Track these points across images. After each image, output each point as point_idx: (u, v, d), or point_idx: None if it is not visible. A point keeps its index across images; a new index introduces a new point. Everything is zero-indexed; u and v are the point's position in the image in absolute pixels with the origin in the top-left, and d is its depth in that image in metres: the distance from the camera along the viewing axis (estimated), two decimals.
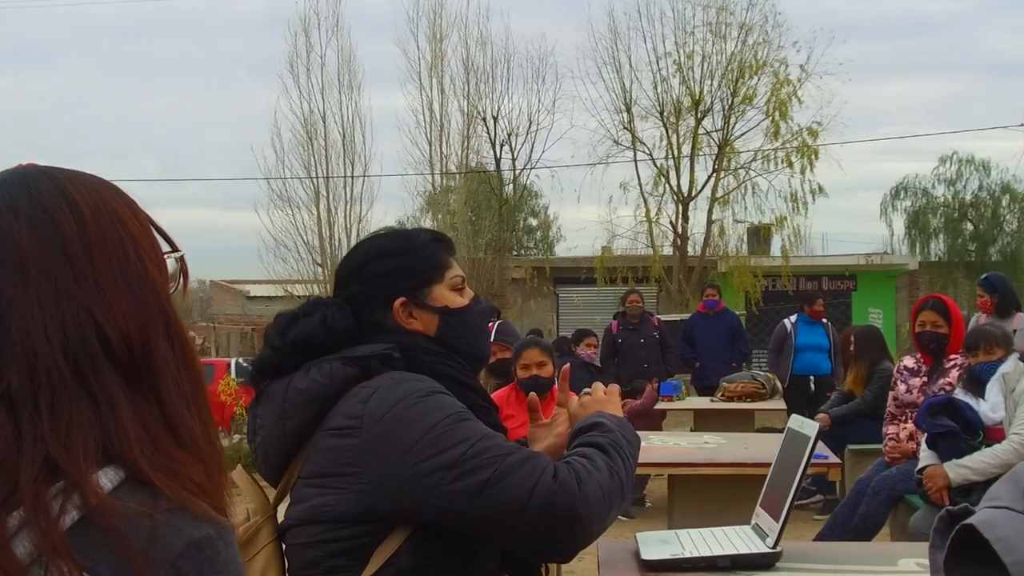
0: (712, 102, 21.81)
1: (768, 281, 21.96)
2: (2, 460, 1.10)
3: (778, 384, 10.24)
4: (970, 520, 1.15)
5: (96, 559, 1.08)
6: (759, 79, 21.57)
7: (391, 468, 2.11)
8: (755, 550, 2.76)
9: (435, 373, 2.28)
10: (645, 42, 22.06)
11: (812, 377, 11.08)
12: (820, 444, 6.33)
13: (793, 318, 11.74)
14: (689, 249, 22.08)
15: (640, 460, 6.05)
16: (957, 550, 1.17)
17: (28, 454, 1.10)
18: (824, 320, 11.69)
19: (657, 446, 6.20)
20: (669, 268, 21.63)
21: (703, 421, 9.64)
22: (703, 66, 21.70)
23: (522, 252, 29.58)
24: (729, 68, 21.56)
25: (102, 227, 1.23)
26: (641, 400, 9.78)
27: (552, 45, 37.48)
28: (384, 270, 2.38)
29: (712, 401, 9.90)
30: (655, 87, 21.95)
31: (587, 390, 2.50)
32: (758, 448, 5.78)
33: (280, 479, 2.30)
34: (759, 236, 23.12)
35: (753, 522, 2.96)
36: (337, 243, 21.89)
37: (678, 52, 21.76)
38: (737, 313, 13.71)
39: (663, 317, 16.43)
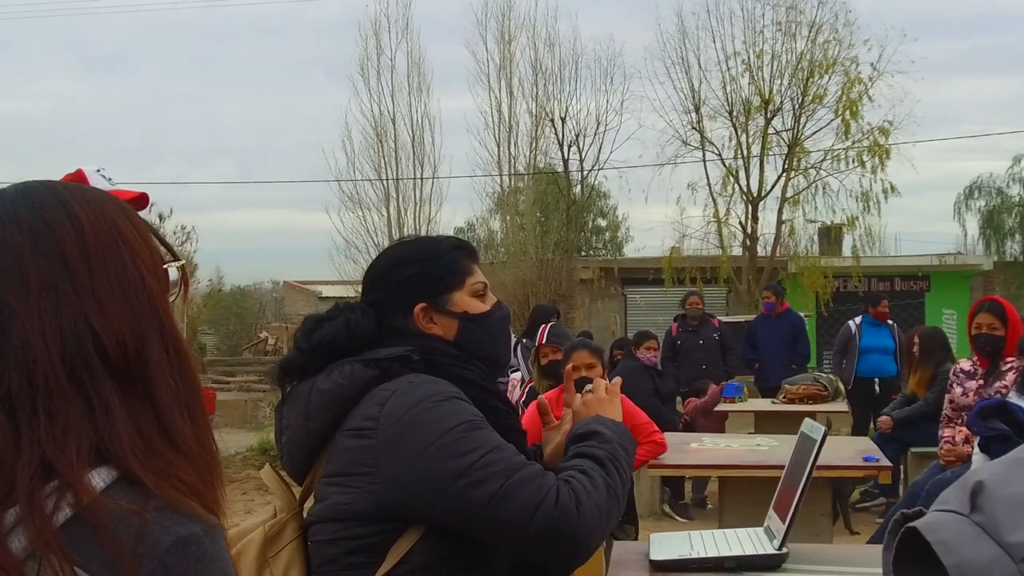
0: (782, 101, 21.60)
1: (839, 282, 21.71)
2: (0, 460, 1.16)
3: (841, 386, 10.16)
4: (914, 523, 1.19)
5: (87, 555, 1.13)
6: (829, 78, 21.34)
7: (404, 470, 2.18)
8: (761, 551, 2.79)
9: (453, 376, 2.34)
10: (714, 42, 21.94)
11: (877, 379, 10.97)
12: (872, 447, 6.34)
13: (858, 319, 11.64)
14: (759, 250, 21.91)
15: (691, 463, 6.07)
16: (904, 552, 1.20)
17: (25, 455, 1.16)
18: (890, 322, 11.56)
19: (708, 448, 6.22)
20: (738, 269, 21.47)
21: (764, 423, 9.60)
22: (772, 65, 21.52)
23: (590, 253, 29.55)
24: (799, 67, 21.35)
25: (101, 239, 1.28)
26: (705, 399, 9.78)
27: (620, 46, 37.26)
28: (405, 276, 2.45)
29: (773, 403, 9.84)
30: (724, 87, 21.81)
31: (588, 387, 2.54)
32: None
33: (305, 478, 2.38)
34: (830, 236, 22.88)
35: (765, 524, 2.98)
36: None
37: (747, 51, 21.60)
38: (802, 315, 13.60)
39: (731, 318, 16.39)
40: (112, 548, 1.13)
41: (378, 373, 2.29)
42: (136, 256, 1.31)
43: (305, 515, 2.38)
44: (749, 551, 2.79)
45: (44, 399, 1.19)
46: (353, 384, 2.29)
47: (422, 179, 22.48)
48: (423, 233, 21.74)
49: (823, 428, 2.92)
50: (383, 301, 2.45)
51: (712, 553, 2.77)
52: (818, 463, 5.35)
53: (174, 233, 23.50)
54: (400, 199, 22.46)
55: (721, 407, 9.72)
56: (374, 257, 2.63)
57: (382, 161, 22.55)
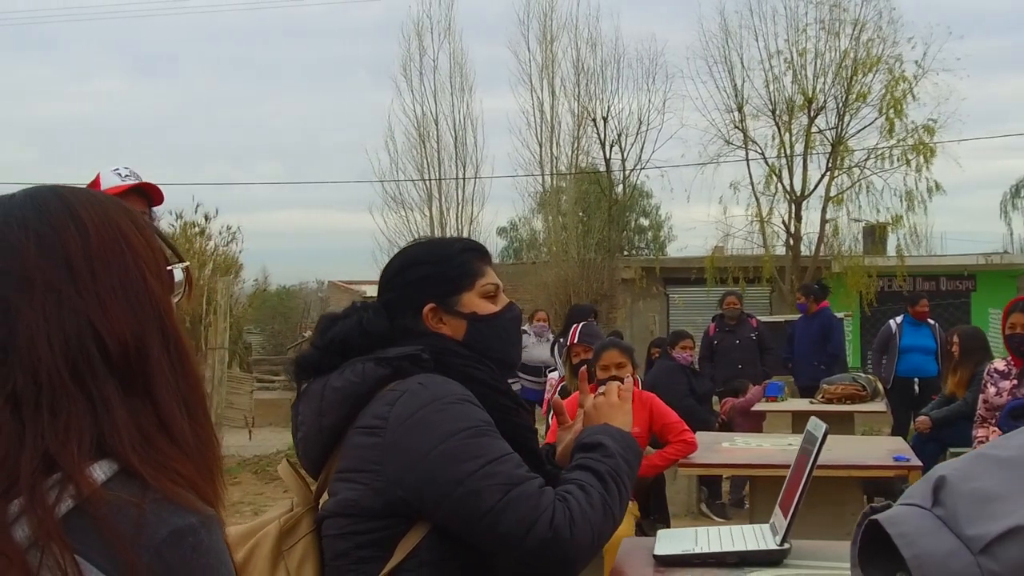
0: (825, 100, 21.48)
1: (883, 281, 21.58)
2: (5, 454, 1.20)
3: (879, 386, 10.10)
4: (876, 516, 1.22)
5: (87, 544, 1.17)
6: (873, 76, 21.19)
7: (407, 470, 2.23)
8: (763, 547, 2.82)
9: (464, 376, 2.38)
10: (757, 40, 21.85)
11: (916, 379, 10.91)
12: (904, 446, 6.32)
13: (899, 319, 11.58)
14: (802, 249, 21.79)
15: (721, 462, 6.07)
16: (869, 545, 1.24)
17: (29, 449, 1.20)
18: (932, 321, 11.49)
19: (740, 448, 6.23)
20: (781, 268, 21.37)
21: (802, 423, 9.54)
22: (816, 63, 21.40)
23: (633, 252, 29.50)
24: (843, 65, 21.21)
25: (105, 242, 1.32)
26: (746, 397, 9.77)
27: (662, 45, 37.24)
28: (415, 277, 2.50)
29: (811, 403, 9.81)
30: (767, 85, 21.72)
31: (601, 390, 2.58)
32: (841, 451, 5.76)
33: (320, 473, 2.44)
34: (874, 235, 22.72)
35: (771, 520, 3.01)
36: None
37: (790, 50, 21.50)
38: (839, 315, 13.52)
39: (769, 318, 16.31)
40: (111, 538, 1.18)
41: (389, 371, 2.34)
42: (139, 258, 1.36)
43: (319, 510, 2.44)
44: (752, 547, 2.82)
45: (48, 396, 1.23)
46: (365, 382, 2.34)
47: (464, 179, 22.57)
48: (465, 233, 21.86)
49: (824, 426, 2.94)
50: (394, 301, 2.50)
51: (715, 548, 2.81)
52: (849, 463, 5.41)
53: (219, 233, 23.70)
54: (443, 199, 22.56)
55: (759, 407, 9.71)
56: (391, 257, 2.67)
57: (425, 161, 22.68)
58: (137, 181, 4.16)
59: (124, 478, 1.23)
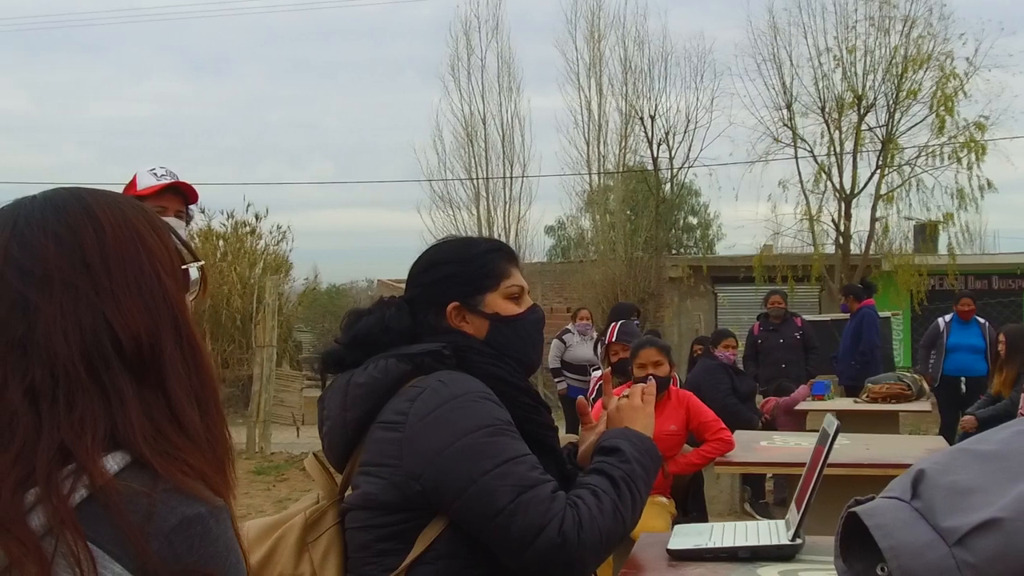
0: (875, 97, 21.29)
1: (934, 280, 21.36)
2: (23, 445, 1.25)
3: (925, 386, 10.04)
4: (855, 508, 1.26)
5: (100, 532, 1.22)
6: (924, 73, 20.97)
7: (424, 465, 2.27)
8: (776, 542, 2.83)
9: (485, 373, 2.41)
10: (806, 37, 21.67)
11: (963, 378, 10.83)
12: (942, 445, 6.28)
13: (947, 317, 11.53)
14: (852, 247, 21.63)
15: (759, 460, 6.06)
16: (852, 537, 1.27)
17: (45, 440, 1.25)
18: (981, 320, 11.40)
19: (778, 446, 6.23)
20: (831, 267, 21.22)
21: (847, 422, 9.43)
22: (865, 60, 21.23)
23: (682, 251, 29.39)
24: (892, 62, 21.03)
25: (121, 242, 1.37)
26: (792, 396, 9.74)
27: (710, 43, 37.08)
28: (441, 276, 2.53)
29: (856, 402, 9.78)
30: (816, 83, 21.56)
31: (626, 392, 2.61)
32: (879, 449, 5.76)
33: (344, 466, 2.49)
34: (925, 234, 22.50)
35: (787, 516, 3.02)
36: None
37: (839, 47, 21.34)
38: (885, 314, 13.43)
39: (814, 317, 16.20)
40: (122, 526, 1.22)
41: (411, 367, 2.38)
42: (154, 257, 1.41)
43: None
44: (764, 542, 2.84)
45: (64, 390, 1.28)
46: (387, 378, 2.38)
47: (511, 178, 22.61)
48: (512, 232, 21.92)
49: (836, 423, 2.96)
50: (419, 298, 2.54)
51: (728, 543, 2.83)
52: (881, 461, 5.39)
53: (270, 232, 23.89)
54: (490, 198, 22.62)
55: (803, 405, 9.68)
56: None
57: (472, 160, 22.74)
58: (173, 180, 4.24)
59: (136, 469, 1.28)
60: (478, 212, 22.48)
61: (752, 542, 2.84)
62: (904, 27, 20.99)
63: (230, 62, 63.66)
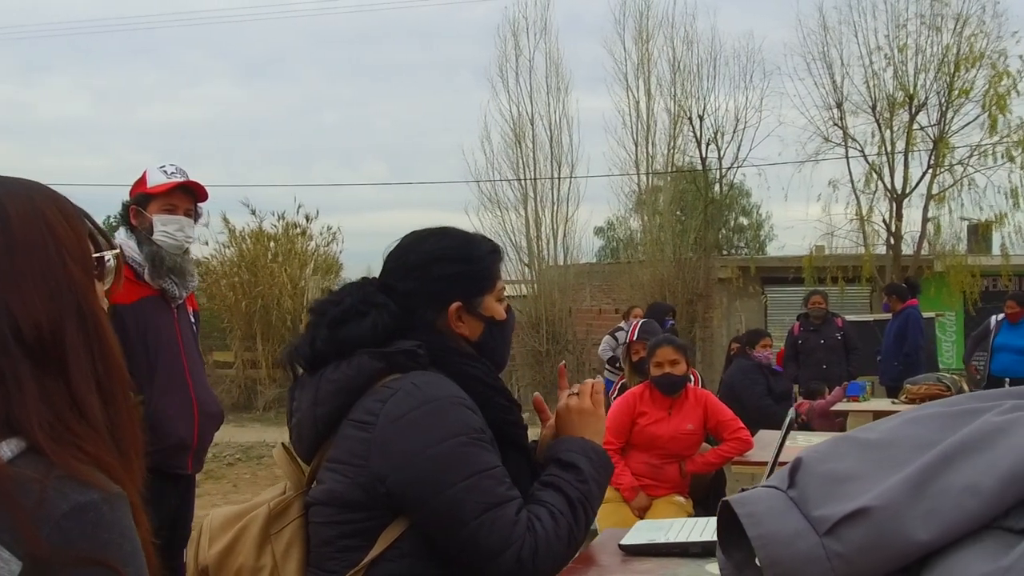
0: (927, 96, 21.03)
1: (987, 281, 21.05)
2: None
3: (965, 386, 9.90)
4: (728, 497, 1.24)
5: None
6: (977, 72, 20.69)
7: (392, 469, 2.26)
8: None
9: (462, 373, 2.40)
10: (856, 36, 21.43)
11: (1008, 379, 10.67)
12: None
13: (999, 316, 11.42)
14: (903, 248, 21.37)
15: (783, 460, 6.03)
16: (730, 527, 1.26)
17: None
18: None
19: (800, 446, 6.15)
20: (882, 268, 20.98)
21: None
22: (917, 59, 20.97)
23: (732, 252, 29.16)
24: (944, 61, 20.76)
25: (28, 231, 1.40)
26: (827, 399, 9.65)
27: (759, 42, 36.65)
28: (447, 274, 2.50)
29: (894, 403, 9.66)
30: (867, 82, 21.33)
31: (575, 388, 2.58)
32: None
33: (312, 459, 2.49)
34: (977, 234, 22.18)
35: None
36: (544, 243, 22.14)
37: (890, 46, 21.10)
38: (930, 315, 13.26)
39: (861, 318, 16.03)
40: (12, 512, 1.24)
41: (384, 365, 2.37)
42: (61, 245, 1.43)
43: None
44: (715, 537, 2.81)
45: None
46: (360, 375, 2.37)
47: (559, 179, 22.54)
48: (560, 233, 21.87)
49: (792, 414, 2.92)
50: (418, 293, 2.49)
51: (682, 539, 2.80)
52: None
53: (320, 234, 24.00)
54: (538, 199, 22.55)
55: (840, 407, 9.59)
56: (404, 240, 2.61)
57: (520, 161, 22.69)
58: (183, 179, 4.28)
59: (31, 456, 1.29)
60: (526, 213, 22.43)
61: (707, 538, 2.81)
62: (956, 25, 20.72)
63: (283, 65, 64.09)
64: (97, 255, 1.51)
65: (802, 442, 6.40)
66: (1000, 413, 1.19)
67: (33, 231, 1.41)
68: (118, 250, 1.58)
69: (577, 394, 2.57)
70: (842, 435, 1.28)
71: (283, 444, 2.60)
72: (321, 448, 2.45)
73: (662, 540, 2.81)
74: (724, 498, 1.25)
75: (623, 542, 2.85)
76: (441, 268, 2.51)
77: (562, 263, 22.08)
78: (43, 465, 1.29)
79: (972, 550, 1.10)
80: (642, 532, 2.92)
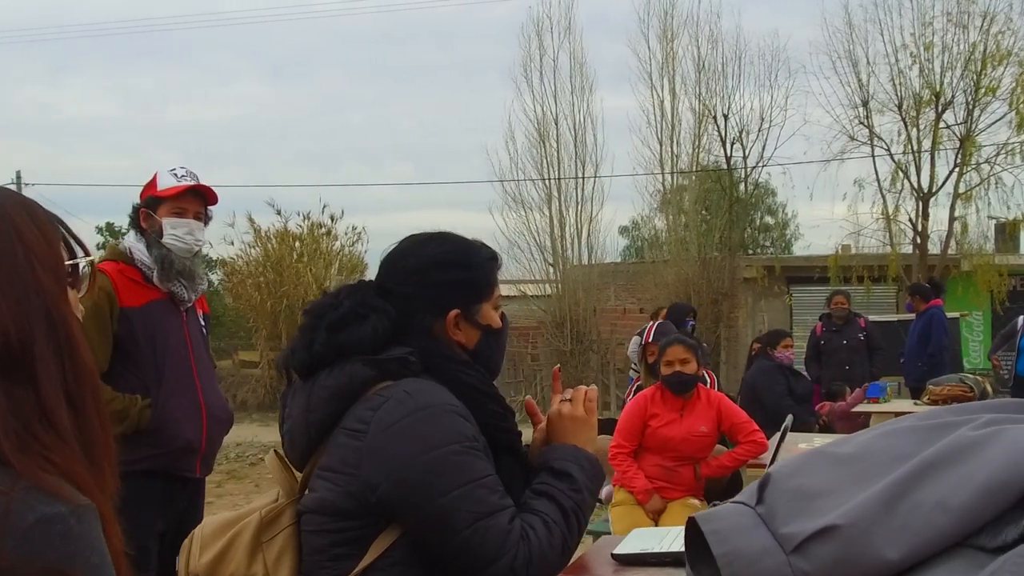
0: (953, 95, 20.86)
1: (1016, 280, 20.87)
2: None
3: (988, 387, 9.80)
4: (695, 514, 1.21)
5: None
6: (1004, 69, 20.52)
7: (384, 477, 2.24)
8: None
9: (456, 380, 2.37)
10: (882, 34, 21.29)
11: None
12: None
13: None
14: (930, 247, 21.22)
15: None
16: (697, 543, 1.23)
17: None
18: None
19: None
20: (908, 267, 20.83)
21: None
22: (943, 57, 20.82)
23: (758, 251, 29.04)
24: (971, 59, 20.59)
25: None
26: (847, 400, 9.59)
27: (784, 41, 36.45)
28: (448, 280, 2.47)
29: (916, 404, 9.58)
30: (892, 80, 21.19)
31: (568, 393, 2.56)
32: None
33: (305, 466, 2.47)
34: (1005, 233, 22.00)
35: None
36: (569, 243, 22.10)
37: (916, 44, 20.94)
38: (954, 315, 13.16)
39: (884, 318, 15.92)
40: None
41: (376, 372, 2.35)
42: (31, 252, 1.41)
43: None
44: None
45: None
46: (352, 382, 2.35)
47: (584, 178, 22.48)
48: (584, 232, 21.82)
49: (790, 418, 2.89)
50: (417, 298, 2.46)
51: (676, 548, 2.77)
52: None
53: (345, 234, 24.08)
54: (562, 199, 22.49)
55: (862, 408, 9.52)
56: (402, 244, 2.58)
57: (544, 161, 22.63)
58: (193, 182, 4.28)
59: None
60: (550, 212, 22.37)
61: None
62: (983, 22, 20.56)
63: (310, 64, 64.26)
64: (71, 262, 1.50)
65: (819, 444, 6.35)
66: (975, 427, 1.16)
67: (2, 237, 1.40)
68: (93, 257, 1.56)
69: (570, 400, 2.54)
70: (814, 449, 1.26)
71: (275, 451, 2.58)
72: (313, 455, 2.43)
73: (656, 549, 2.78)
74: (691, 515, 1.22)
75: (616, 551, 2.82)
76: (441, 273, 2.49)
77: (586, 263, 22.02)
78: (9, 477, 1.28)
79: (941, 570, 1.07)
80: (636, 541, 2.89)
